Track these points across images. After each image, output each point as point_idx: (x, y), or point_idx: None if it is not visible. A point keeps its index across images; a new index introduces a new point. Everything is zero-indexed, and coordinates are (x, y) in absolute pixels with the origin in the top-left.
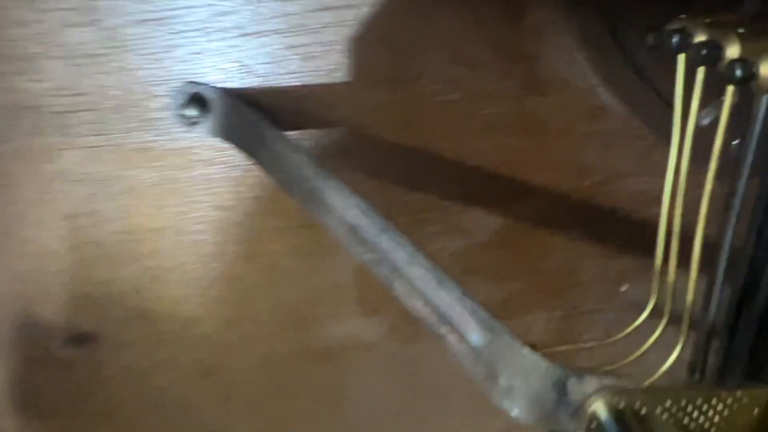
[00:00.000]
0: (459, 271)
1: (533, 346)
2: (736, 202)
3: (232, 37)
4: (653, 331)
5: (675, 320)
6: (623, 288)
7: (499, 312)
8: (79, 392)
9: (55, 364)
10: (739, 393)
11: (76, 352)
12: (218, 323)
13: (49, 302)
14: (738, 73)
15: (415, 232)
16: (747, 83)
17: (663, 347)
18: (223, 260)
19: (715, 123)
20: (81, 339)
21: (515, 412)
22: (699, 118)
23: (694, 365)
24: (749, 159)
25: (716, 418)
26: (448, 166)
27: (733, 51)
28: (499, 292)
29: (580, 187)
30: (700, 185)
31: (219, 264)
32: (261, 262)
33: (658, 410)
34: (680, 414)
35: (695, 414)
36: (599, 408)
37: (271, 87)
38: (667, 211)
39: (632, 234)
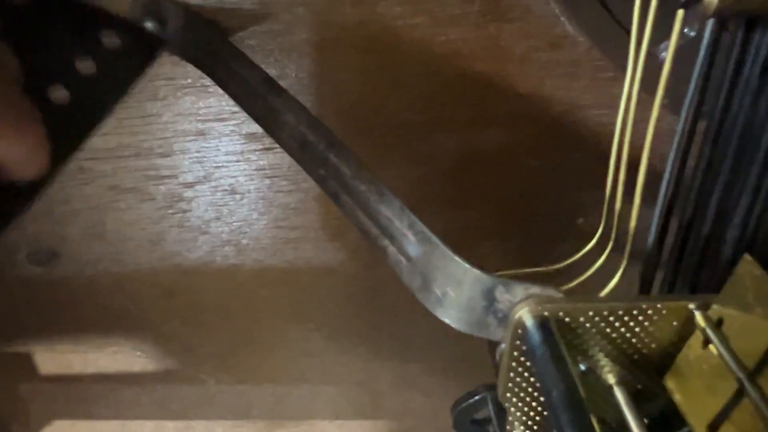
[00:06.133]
0: (418, 198)
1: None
2: (680, 133)
3: None
4: (611, 261)
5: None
6: (580, 220)
7: (457, 239)
8: (43, 309)
9: (18, 282)
10: (659, 305)
11: (39, 269)
12: (179, 244)
13: None
14: None
15: (376, 157)
16: (692, 6)
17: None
18: (183, 182)
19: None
20: (43, 256)
21: (447, 319)
22: (657, 50)
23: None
24: (693, 87)
25: (637, 329)
26: (410, 91)
27: None
28: (458, 220)
29: (541, 117)
30: (661, 117)
31: (178, 186)
32: (222, 184)
33: (582, 319)
34: (603, 324)
35: (617, 324)
36: (525, 315)
37: (230, 5)
38: (618, 141)
39: (591, 166)
